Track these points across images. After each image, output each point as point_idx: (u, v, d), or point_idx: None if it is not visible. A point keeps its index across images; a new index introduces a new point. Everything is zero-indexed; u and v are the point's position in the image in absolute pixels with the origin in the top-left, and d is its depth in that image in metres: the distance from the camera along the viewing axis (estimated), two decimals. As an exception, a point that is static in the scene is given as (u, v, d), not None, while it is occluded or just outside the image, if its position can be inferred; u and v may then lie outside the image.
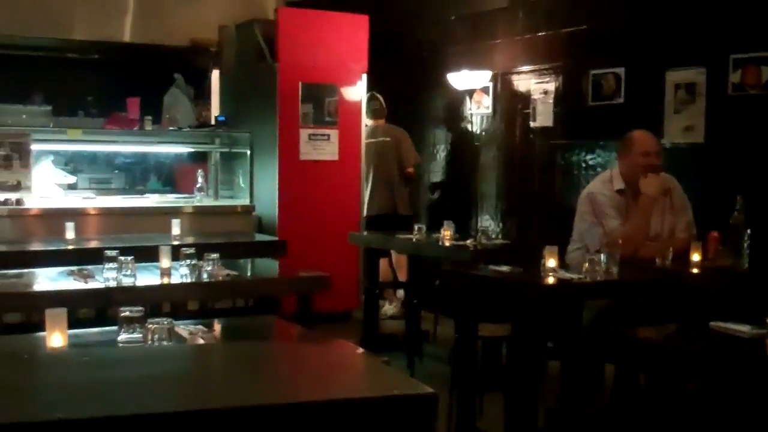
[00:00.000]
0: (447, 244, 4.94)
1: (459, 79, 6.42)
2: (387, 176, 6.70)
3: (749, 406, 2.70)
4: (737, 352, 2.73)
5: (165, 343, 2.30)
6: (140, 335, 2.36)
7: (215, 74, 7.11)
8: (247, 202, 6.37)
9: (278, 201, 6.35)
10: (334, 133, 6.50)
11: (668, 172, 4.39)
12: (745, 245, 3.90)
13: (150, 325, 2.32)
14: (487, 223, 6.45)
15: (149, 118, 6.29)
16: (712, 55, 4.98)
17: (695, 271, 3.87)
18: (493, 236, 5.64)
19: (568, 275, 3.60)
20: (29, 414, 1.65)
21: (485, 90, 6.59)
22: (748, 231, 3.94)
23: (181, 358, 2.33)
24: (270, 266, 4.62)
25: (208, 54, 7.05)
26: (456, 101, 6.88)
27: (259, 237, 6.01)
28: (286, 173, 6.36)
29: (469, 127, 6.65)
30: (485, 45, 6.62)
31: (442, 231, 5.01)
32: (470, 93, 6.45)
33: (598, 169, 5.48)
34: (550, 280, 3.55)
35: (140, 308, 2.44)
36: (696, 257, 3.91)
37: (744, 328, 2.81)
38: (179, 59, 7.05)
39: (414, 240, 5.11)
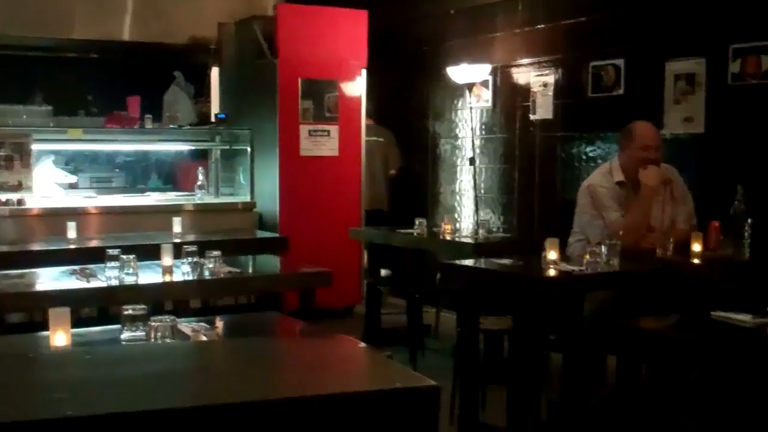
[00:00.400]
0: (448, 238, 4.95)
1: (458, 72, 6.41)
2: (378, 174, 6.87)
3: (751, 396, 2.71)
4: (739, 342, 2.74)
5: (168, 340, 2.31)
6: (143, 333, 2.38)
7: (215, 71, 7.11)
8: (248, 198, 6.38)
9: (279, 197, 6.35)
10: (334, 129, 6.51)
11: (669, 162, 4.39)
12: (746, 235, 3.91)
13: (153, 323, 2.33)
14: (488, 216, 6.45)
15: (149, 116, 6.30)
16: (711, 45, 4.98)
17: (696, 261, 3.87)
18: (494, 229, 5.64)
19: (569, 267, 3.60)
20: (37, 412, 1.66)
21: (485, 83, 6.58)
22: (749, 221, 3.94)
23: (185, 355, 2.34)
24: (272, 263, 4.63)
25: (207, 51, 7.05)
26: (455, 95, 6.88)
27: (261, 234, 6.02)
28: (286, 169, 6.36)
29: (468, 120, 6.64)
30: (484, 38, 6.61)
31: (442, 225, 5.02)
32: (470, 86, 6.44)
33: (599, 161, 5.48)
34: (552, 272, 3.56)
35: (143, 306, 2.45)
36: (697, 247, 3.91)
37: (745, 318, 2.82)
38: (179, 57, 7.06)
39: (415, 234, 5.12)
